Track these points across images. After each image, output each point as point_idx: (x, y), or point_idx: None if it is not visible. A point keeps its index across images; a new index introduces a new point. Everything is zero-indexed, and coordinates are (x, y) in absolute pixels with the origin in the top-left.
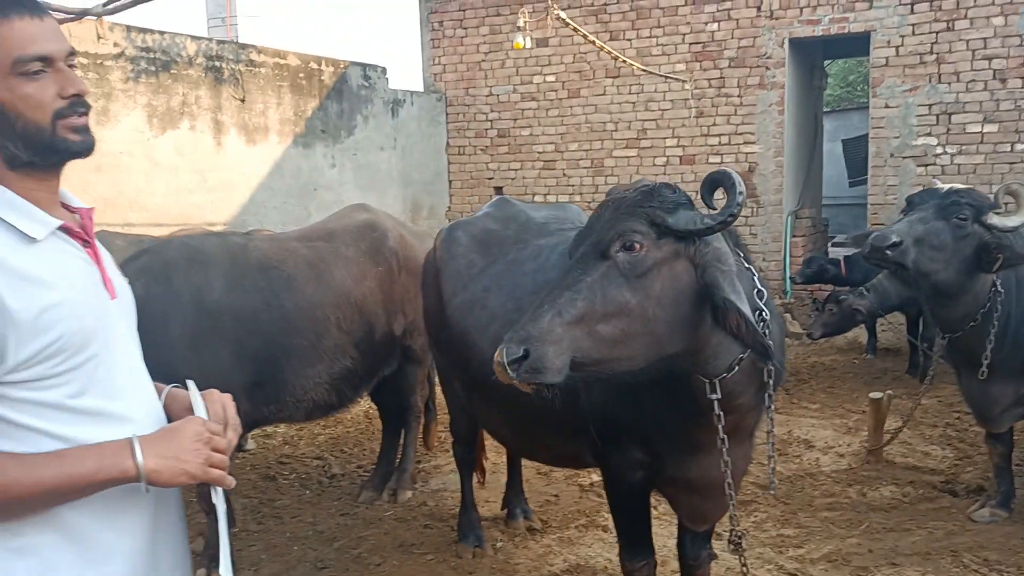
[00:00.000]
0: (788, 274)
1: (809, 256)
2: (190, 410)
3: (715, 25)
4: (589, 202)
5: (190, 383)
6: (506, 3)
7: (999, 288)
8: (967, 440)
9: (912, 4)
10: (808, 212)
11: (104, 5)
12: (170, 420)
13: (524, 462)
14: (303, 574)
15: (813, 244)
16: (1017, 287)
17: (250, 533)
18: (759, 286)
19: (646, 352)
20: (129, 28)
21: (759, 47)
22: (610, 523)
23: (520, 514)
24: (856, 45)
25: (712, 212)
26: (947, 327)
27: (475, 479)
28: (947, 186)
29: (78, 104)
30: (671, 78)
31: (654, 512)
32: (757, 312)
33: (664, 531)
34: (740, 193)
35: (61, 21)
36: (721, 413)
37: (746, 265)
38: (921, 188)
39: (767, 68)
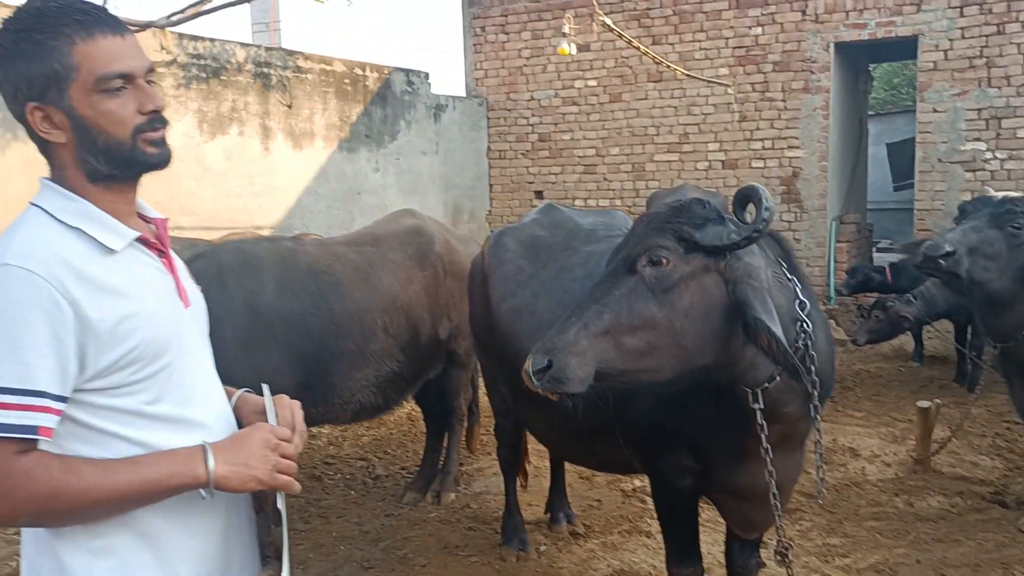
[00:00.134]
0: (832, 280)
1: (854, 266)
2: (259, 414)
3: (759, 29)
4: (630, 206)
5: (265, 388)
6: (548, 8)
7: None
8: (1017, 451)
9: (961, 7)
10: (852, 217)
11: (168, 17)
12: (239, 423)
13: (567, 466)
14: (350, 573)
15: (857, 250)
16: None
17: (297, 532)
18: (801, 297)
19: (673, 364)
20: (181, 36)
21: (804, 51)
22: (654, 528)
23: (563, 518)
24: (902, 49)
25: (740, 227)
26: (999, 336)
27: (518, 483)
28: (1001, 194)
29: (156, 119)
30: (714, 82)
31: (699, 519)
32: (798, 323)
33: (708, 538)
34: (767, 209)
35: None
36: (764, 423)
37: (788, 276)
38: (969, 194)
39: (812, 72)
